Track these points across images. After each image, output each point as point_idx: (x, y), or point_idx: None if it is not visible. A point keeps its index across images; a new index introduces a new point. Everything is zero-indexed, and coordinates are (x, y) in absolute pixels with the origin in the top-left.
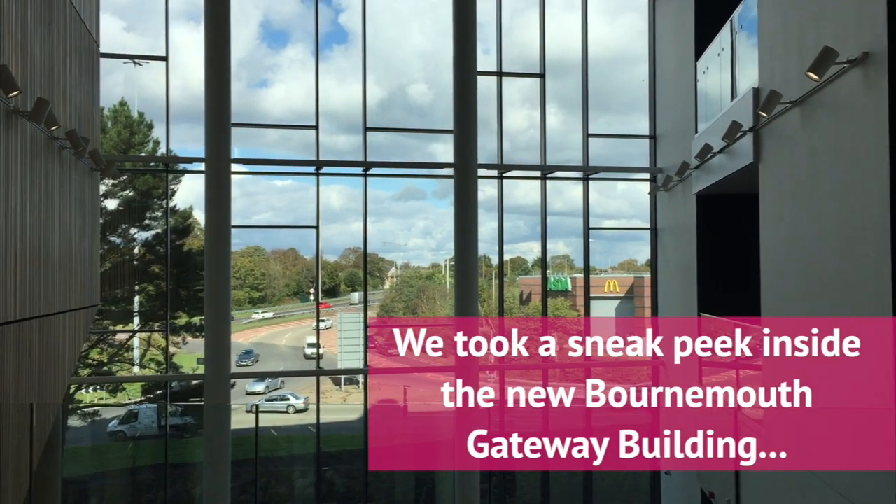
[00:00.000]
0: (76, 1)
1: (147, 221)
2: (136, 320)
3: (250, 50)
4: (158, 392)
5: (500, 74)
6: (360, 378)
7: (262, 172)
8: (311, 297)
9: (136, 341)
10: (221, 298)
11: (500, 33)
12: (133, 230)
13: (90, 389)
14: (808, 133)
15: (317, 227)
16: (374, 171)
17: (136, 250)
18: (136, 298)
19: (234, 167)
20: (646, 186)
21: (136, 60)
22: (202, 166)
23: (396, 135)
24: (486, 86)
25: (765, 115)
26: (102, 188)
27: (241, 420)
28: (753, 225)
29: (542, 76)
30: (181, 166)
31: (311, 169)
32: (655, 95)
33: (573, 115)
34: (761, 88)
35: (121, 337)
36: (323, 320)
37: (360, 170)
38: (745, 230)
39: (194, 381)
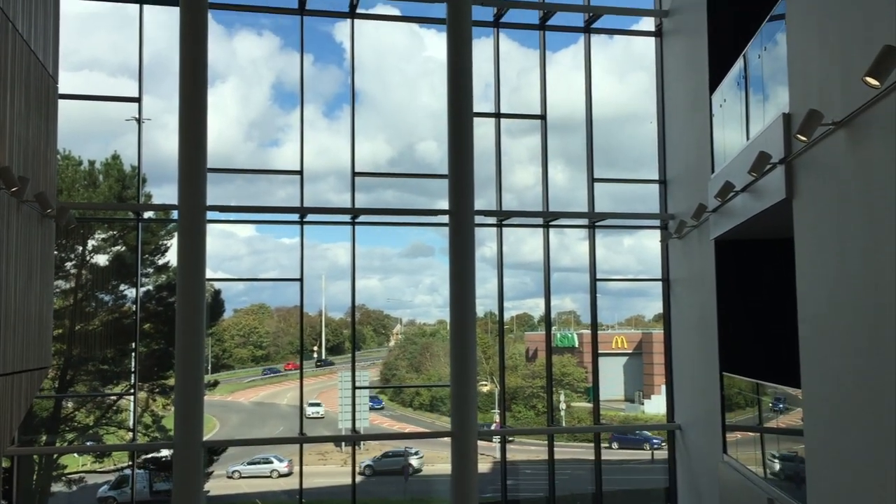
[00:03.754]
0: (27, 33)
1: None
2: (129, 380)
3: (262, 111)
4: (148, 457)
5: (498, 116)
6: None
7: (241, 221)
8: (315, 356)
9: (127, 402)
10: (193, 357)
11: (497, 73)
12: (123, 287)
13: (76, 454)
14: (858, 159)
15: (300, 280)
16: (363, 218)
17: (125, 307)
18: (133, 355)
19: (212, 215)
20: (655, 240)
21: (141, 118)
22: (177, 215)
23: (405, 192)
24: (487, 145)
25: (803, 138)
26: (91, 244)
27: (224, 486)
28: (782, 273)
29: (542, 118)
30: (152, 215)
31: (295, 217)
32: (665, 136)
33: (579, 172)
34: (793, 114)
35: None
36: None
37: (347, 217)
38: (772, 279)
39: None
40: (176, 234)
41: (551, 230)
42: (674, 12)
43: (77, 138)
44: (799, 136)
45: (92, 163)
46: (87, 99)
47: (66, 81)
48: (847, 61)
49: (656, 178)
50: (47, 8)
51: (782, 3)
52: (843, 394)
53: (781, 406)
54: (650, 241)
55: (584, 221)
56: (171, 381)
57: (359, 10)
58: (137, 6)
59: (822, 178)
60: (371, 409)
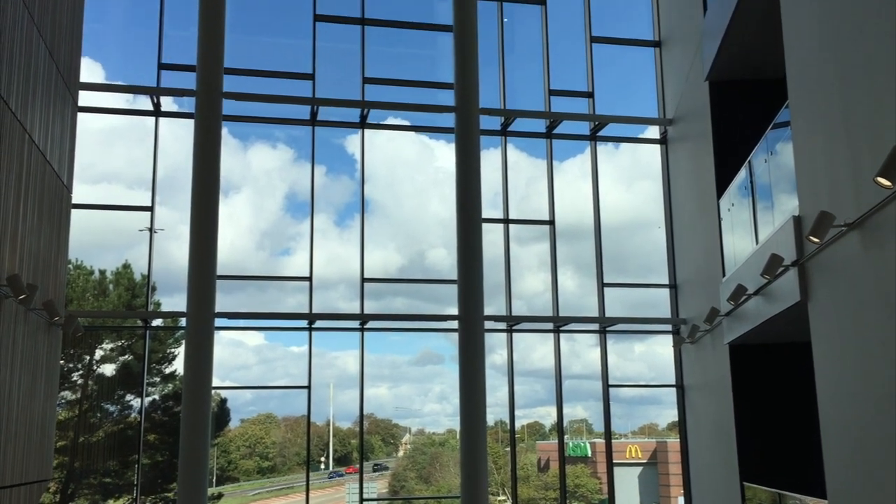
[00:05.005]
0: (43, 144)
1: (144, 387)
2: (131, 493)
3: (275, 220)
4: None
5: (506, 222)
6: None
7: (248, 328)
8: (322, 467)
9: None
10: (196, 469)
11: (505, 180)
12: (129, 397)
13: None
14: (873, 259)
15: (308, 388)
16: (372, 324)
17: (131, 418)
18: (136, 468)
19: (220, 322)
20: (667, 346)
21: (153, 227)
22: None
23: (415, 300)
24: (496, 252)
25: (816, 240)
26: (99, 353)
27: None
28: (801, 377)
29: (551, 223)
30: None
31: (303, 323)
32: (674, 241)
33: (589, 279)
34: (803, 216)
35: None
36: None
37: (356, 323)
38: (791, 383)
39: None
40: (184, 342)
41: (562, 336)
42: (678, 120)
43: (91, 249)
44: (811, 237)
45: (103, 272)
46: (100, 208)
47: (85, 193)
48: (856, 162)
49: (666, 282)
50: (64, 120)
51: (785, 112)
52: None
53: None
54: (662, 348)
55: (595, 326)
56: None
57: (369, 121)
58: (154, 119)
59: (837, 280)
60: None
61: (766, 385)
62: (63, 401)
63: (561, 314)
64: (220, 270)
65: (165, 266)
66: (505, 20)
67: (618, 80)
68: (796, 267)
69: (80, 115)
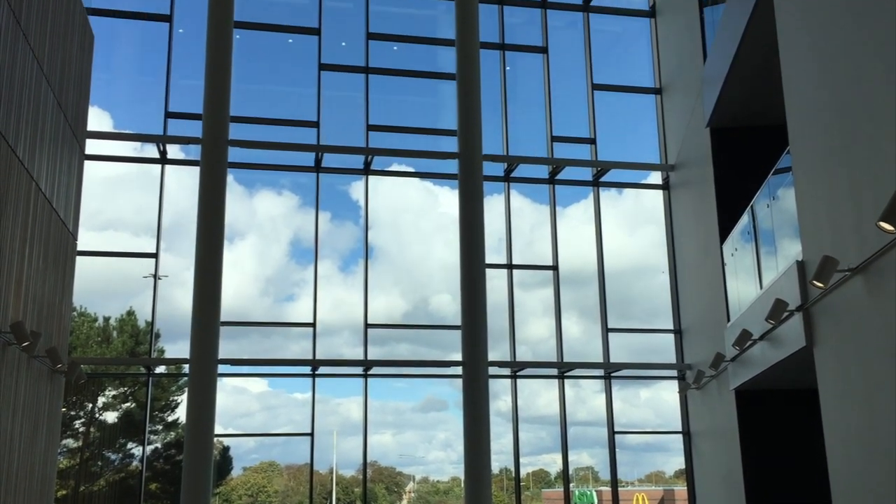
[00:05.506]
0: (50, 192)
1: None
2: None
3: (279, 267)
4: None
5: (510, 267)
6: None
7: (251, 375)
8: None
9: None
10: None
11: (508, 226)
12: (130, 445)
13: None
14: (878, 304)
15: (311, 435)
16: (375, 370)
17: (132, 466)
18: None
19: (223, 368)
20: (672, 392)
21: (158, 274)
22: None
23: (419, 346)
24: (500, 299)
25: (820, 285)
26: (101, 401)
27: None
28: (809, 423)
29: (554, 268)
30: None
31: (307, 369)
32: (678, 286)
33: (593, 324)
34: (807, 261)
35: None
36: None
37: (360, 370)
38: (799, 430)
39: None
40: (187, 389)
41: (567, 382)
42: (680, 166)
43: (95, 296)
44: (815, 282)
45: (107, 319)
46: (105, 255)
47: (91, 240)
48: (859, 207)
49: (671, 327)
50: (71, 168)
51: (787, 157)
52: None
53: None
54: (668, 394)
55: (600, 372)
56: None
57: (373, 168)
58: (160, 166)
59: (842, 325)
60: None
61: (774, 431)
62: (64, 449)
63: (565, 360)
64: (223, 317)
65: (169, 312)
66: (507, 68)
67: (619, 126)
68: (801, 312)
69: (88, 163)
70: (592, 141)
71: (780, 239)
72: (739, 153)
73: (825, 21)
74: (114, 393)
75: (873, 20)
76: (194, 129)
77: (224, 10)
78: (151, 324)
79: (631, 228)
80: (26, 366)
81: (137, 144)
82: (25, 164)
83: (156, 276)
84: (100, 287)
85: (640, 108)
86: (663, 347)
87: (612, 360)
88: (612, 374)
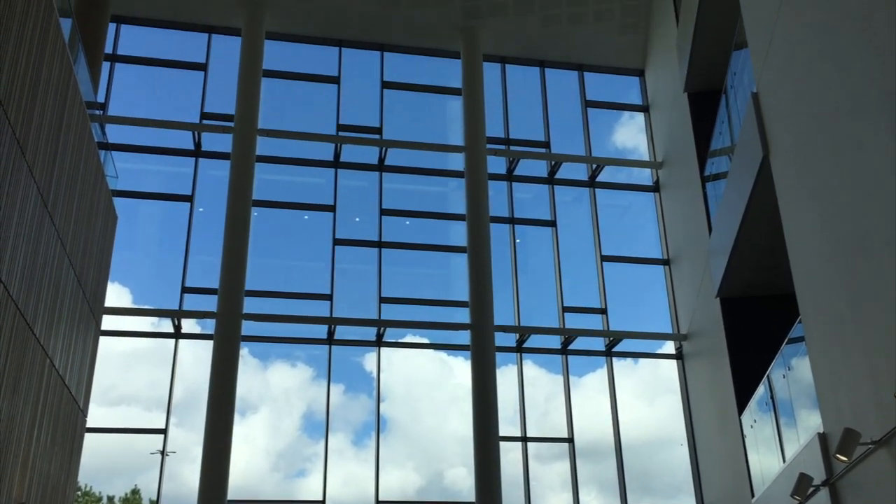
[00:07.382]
0: (63, 369)
1: None
2: None
3: (291, 441)
4: None
5: (524, 440)
6: None
7: None
8: None
9: None
10: None
11: (522, 396)
12: None
13: None
14: None
15: None
16: None
17: None
18: None
19: None
20: None
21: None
22: None
23: None
24: (516, 472)
25: (844, 458)
26: None
27: None
28: None
29: (570, 441)
30: None
31: None
32: (697, 459)
33: (613, 498)
34: (828, 433)
35: None
36: None
37: None
38: None
39: None
40: None
41: None
42: (692, 336)
43: (101, 473)
44: (839, 456)
45: (111, 498)
46: (114, 432)
47: (103, 416)
48: (875, 375)
49: (693, 502)
50: (86, 344)
51: (799, 326)
52: None
53: None
54: None
55: None
56: None
57: (386, 339)
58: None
59: (870, 500)
60: None
61: None
62: None
63: None
64: (232, 493)
65: (176, 489)
66: (517, 240)
67: (630, 297)
68: (827, 487)
69: (104, 338)
70: (603, 311)
71: (798, 409)
72: (752, 322)
73: (827, 191)
74: None
75: (874, 189)
76: (209, 303)
77: (243, 189)
78: (157, 502)
79: (648, 399)
80: None
81: (154, 319)
82: (41, 341)
83: (163, 453)
84: (107, 464)
85: (650, 279)
86: None
87: None
88: None
